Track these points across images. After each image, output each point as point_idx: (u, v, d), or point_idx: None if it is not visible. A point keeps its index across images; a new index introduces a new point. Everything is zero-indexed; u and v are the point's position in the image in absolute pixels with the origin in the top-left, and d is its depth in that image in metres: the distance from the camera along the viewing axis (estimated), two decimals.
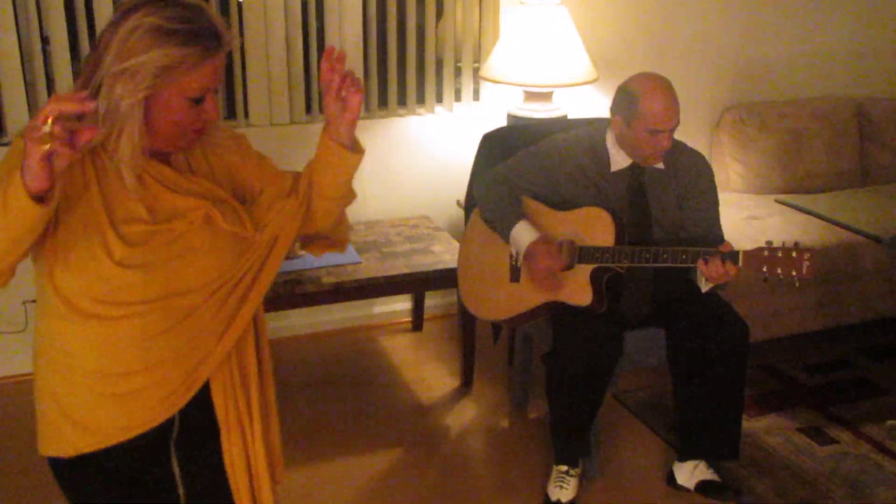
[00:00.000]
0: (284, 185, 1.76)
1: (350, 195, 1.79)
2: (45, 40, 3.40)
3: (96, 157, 1.56)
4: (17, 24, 3.31)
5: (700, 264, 2.62)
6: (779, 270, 2.57)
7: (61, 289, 1.57)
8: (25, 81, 3.37)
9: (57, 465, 1.72)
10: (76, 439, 1.67)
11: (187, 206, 1.61)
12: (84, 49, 3.39)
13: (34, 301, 1.67)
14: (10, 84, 3.35)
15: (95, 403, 1.65)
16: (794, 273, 2.55)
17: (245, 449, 1.79)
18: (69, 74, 3.38)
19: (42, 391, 1.70)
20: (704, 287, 2.72)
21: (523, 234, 2.83)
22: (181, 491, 1.78)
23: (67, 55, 3.38)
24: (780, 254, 2.57)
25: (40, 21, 3.35)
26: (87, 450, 1.66)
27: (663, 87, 2.76)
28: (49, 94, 3.41)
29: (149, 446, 1.71)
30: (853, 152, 4.39)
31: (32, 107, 3.40)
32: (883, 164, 4.44)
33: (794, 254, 2.55)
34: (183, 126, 1.57)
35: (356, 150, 1.69)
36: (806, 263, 2.54)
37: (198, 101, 1.55)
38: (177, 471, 1.77)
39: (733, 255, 2.60)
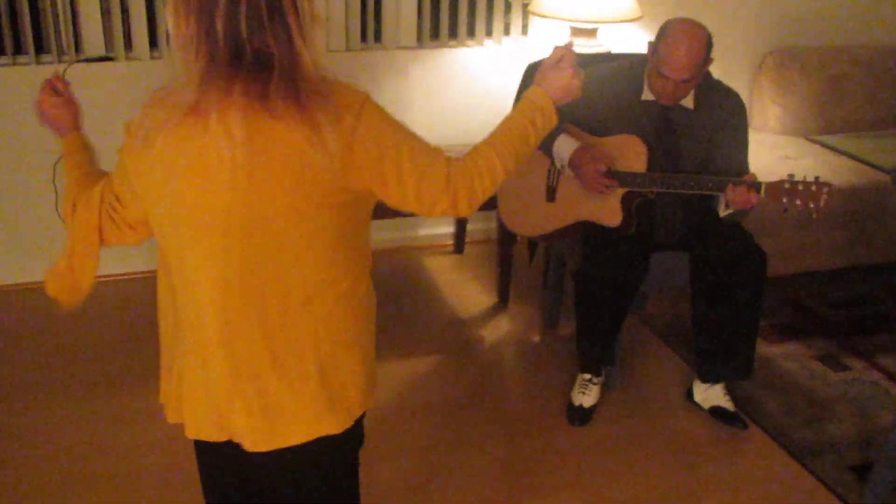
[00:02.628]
0: None
1: None
2: None
3: None
4: None
5: (729, 188, 2.80)
6: (798, 202, 2.74)
7: None
8: (102, 9, 3.59)
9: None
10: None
11: None
12: None
13: None
14: (88, 10, 3.56)
15: None
16: (811, 205, 2.73)
17: None
18: (142, 2, 3.58)
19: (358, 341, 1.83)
20: (723, 212, 2.90)
21: (564, 145, 2.99)
22: None
23: None
24: (800, 186, 2.74)
25: None
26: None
27: (687, 37, 2.78)
28: (124, 21, 3.62)
29: None
30: (892, 100, 4.47)
31: (107, 34, 3.61)
32: None
33: (813, 187, 2.72)
34: None
35: None
36: (824, 197, 2.71)
37: None
38: None
39: (756, 185, 2.77)
